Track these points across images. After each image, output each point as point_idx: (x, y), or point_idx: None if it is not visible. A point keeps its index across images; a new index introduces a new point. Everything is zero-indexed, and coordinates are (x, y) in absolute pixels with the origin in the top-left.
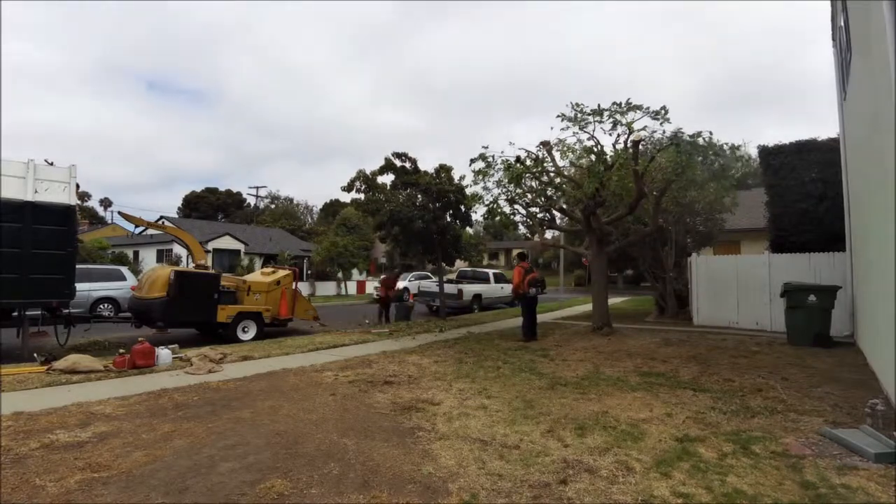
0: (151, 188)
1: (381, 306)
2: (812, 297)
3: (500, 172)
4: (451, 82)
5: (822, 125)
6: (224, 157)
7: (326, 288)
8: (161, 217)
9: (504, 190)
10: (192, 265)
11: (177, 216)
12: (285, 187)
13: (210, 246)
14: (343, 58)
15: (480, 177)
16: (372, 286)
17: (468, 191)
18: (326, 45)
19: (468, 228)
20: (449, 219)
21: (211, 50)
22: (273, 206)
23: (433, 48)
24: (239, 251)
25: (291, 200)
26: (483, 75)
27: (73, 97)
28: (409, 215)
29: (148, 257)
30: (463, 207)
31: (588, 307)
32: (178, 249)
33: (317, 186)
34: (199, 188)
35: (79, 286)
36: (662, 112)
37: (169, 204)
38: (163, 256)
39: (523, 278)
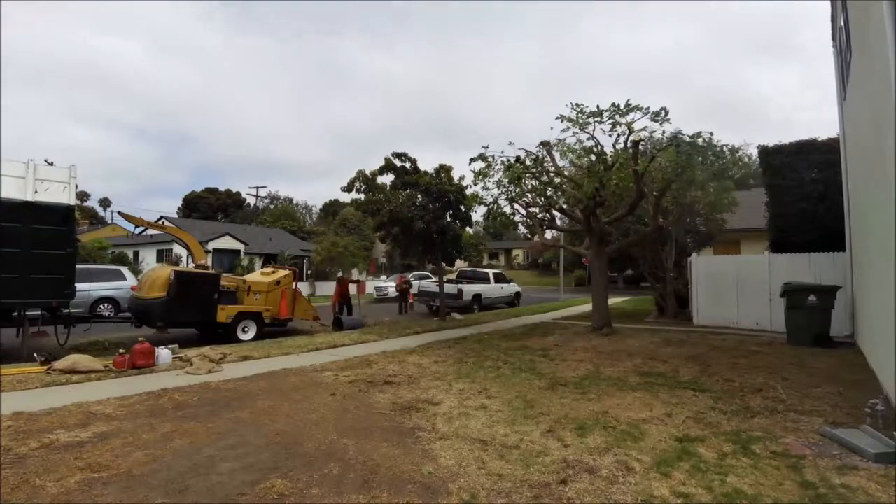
0: (136, 199)
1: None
2: (812, 297)
3: (500, 173)
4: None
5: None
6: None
7: (326, 288)
8: (161, 217)
9: (504, 190)
10: (192, 265)
11: (177, 216)
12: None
13: (210, 246)
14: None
15: (480, 177)
16: (372, 286)
17: (468, 191)
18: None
19: (468, 228)
20: (449, 219)
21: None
22: (273, 207)
23: (339, 108)
24: (239, 251)
25: (291, 200)
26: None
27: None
28: (409, 215)
29: (148, 257)
30: (463, 207)
31: (588, 307)
32: (178, 249)
33: (274, 190)
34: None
35: (79, 286)
36: (662, 113)
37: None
38: (163, 256)
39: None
